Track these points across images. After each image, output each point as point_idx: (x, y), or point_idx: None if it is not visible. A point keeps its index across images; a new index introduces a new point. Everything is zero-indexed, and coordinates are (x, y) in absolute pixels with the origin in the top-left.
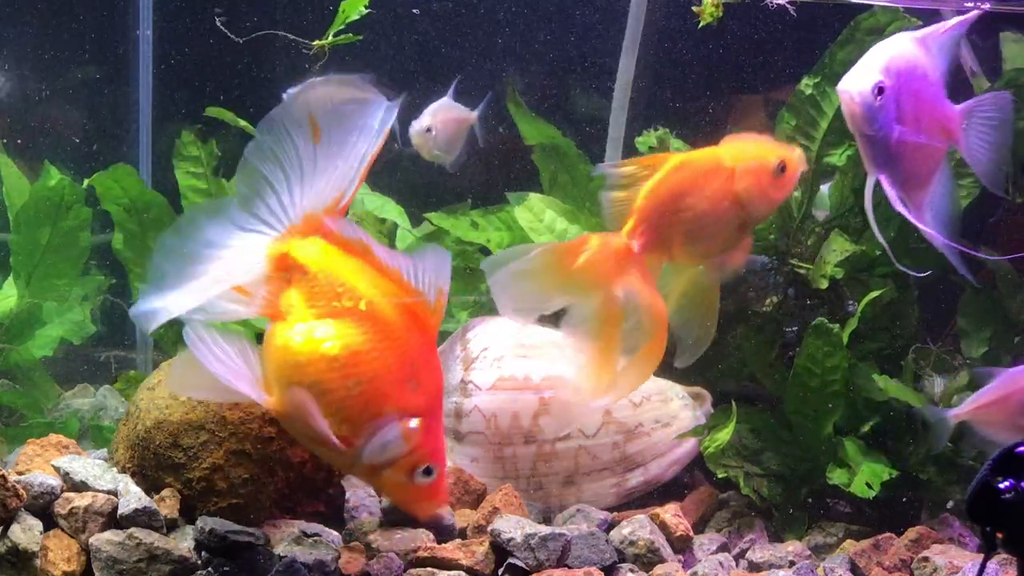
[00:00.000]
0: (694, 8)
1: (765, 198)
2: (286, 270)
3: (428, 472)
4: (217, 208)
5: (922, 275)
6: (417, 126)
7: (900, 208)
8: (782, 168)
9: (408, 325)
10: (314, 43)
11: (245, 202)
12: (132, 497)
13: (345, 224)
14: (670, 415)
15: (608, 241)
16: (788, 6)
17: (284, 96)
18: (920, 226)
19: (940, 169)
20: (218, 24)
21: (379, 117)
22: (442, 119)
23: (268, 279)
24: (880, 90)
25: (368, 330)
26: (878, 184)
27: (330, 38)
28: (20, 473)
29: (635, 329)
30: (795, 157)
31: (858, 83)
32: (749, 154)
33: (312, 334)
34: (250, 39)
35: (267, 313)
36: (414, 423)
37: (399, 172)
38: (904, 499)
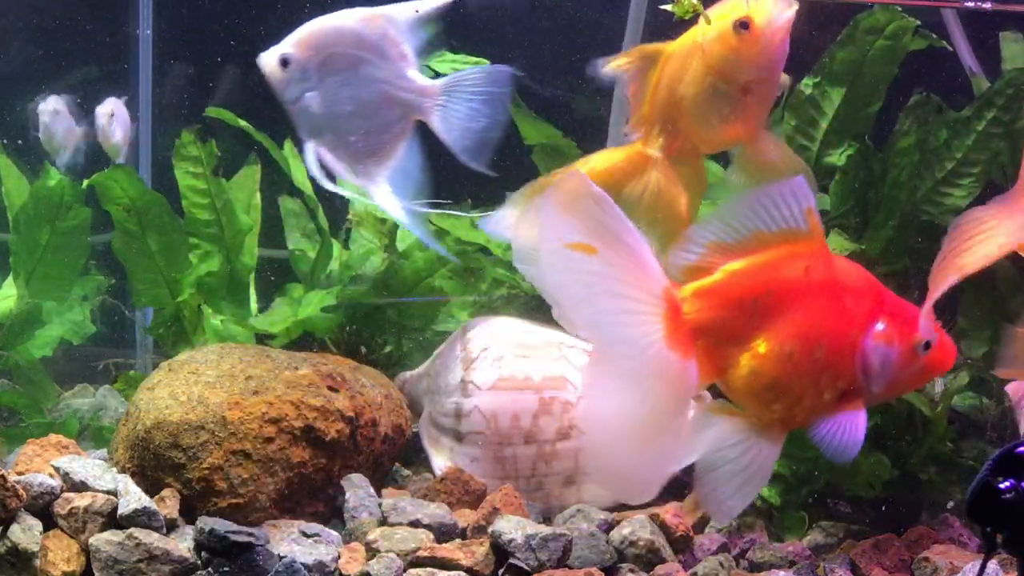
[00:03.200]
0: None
1: (739, 62)
2: (695, 341)
3: (927, 346)
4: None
5: None
6: None
7: (338, 174)
8: (743, 24)
9: (800, 266)
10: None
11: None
12: (132, 497)
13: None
14: None
15: (611, 158)
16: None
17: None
18: (343, 192)
19: (404, 142)
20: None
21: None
22: None
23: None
24: (285, 61)
25: (782, 301)
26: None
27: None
28: (20, 473)
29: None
30: (766, 9)
31: (266, 54)
32: (715, 21)
33: (758, 351)
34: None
35: (714, 379)
36: (880, 325)
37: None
38: (904, 499)
